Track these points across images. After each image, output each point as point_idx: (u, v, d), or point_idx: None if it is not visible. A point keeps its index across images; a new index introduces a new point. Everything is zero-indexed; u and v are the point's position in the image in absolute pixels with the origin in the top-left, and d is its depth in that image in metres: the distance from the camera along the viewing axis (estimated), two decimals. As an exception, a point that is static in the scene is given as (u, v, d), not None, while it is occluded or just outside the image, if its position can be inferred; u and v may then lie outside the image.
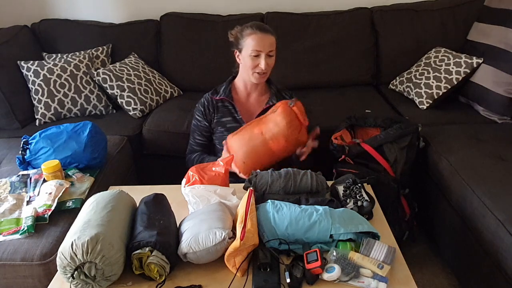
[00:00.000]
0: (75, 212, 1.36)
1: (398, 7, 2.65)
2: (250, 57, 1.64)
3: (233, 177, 1.79)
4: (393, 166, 1.71)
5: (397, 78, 2.55)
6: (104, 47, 2.60)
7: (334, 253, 1.09)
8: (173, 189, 1.42)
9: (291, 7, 2.71)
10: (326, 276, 1.04)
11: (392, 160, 1.70)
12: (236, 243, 1.03)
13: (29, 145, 1.73)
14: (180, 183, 1.40)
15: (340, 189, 1.37)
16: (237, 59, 1.73)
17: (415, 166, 1.86)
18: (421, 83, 2.33)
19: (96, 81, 2.41)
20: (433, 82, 2.28)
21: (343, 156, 1.76)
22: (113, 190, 1.25)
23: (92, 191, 1.61)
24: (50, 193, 1.49)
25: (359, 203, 1.28)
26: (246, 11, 2.73)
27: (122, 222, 1.13)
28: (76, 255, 0.98)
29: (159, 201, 1.23)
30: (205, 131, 1.83)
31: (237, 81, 1.81)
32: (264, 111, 1.73)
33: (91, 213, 1.11)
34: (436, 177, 1.83)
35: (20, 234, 1.38)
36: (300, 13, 2.67)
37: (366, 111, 1.92)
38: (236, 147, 1.57)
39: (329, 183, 1.40)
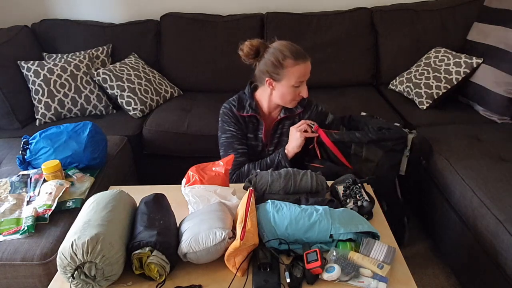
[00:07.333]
0: (75, 212, 1.36)
1: (398, 7, 2.65)
2: (292, 88, 1.57)
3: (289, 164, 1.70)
4: (358, 163, 1.67)
5: (397, 78, 2.55)
6: (104, 47, 2.61)
7: (334, 253, 1.09)
8: (173, 189, 1.42)
9: (291, 7, 2.71)
10: (326, 276, 1.04)
11: (365, 159, 1.65)
12: (236, 243, 1.03)
13: (29, 145, 1.73)
14: (180, 183, 1.40)
15: (340, 189, 1.37)
16: (268, 85, 1.61)
17: (410, 176, 1.82)
18: (421, 83, 2.33)
19: (96, 81, 2.41)
20: (433, 82, 2.28)
21: (312, 145, 1.72)
22: (113, 190, 1.25)
23: (92, 191, 1.61)
24: (50, 193, 1.49)
25: (359, 203, 1.28)
26: (246, 11, 2.73)
27: (122, 222, 1.13)
28: (76, 255, 0.98)
29: (159, 201, 1.23)
30: (244, 139, 1.71)
31: (260, 98, 1.70)
32: (275, 126, 1.71)
33: (91, 213, 1.11)
34: (436, 177, 1.83)
35: (20, 234, 1.38)
36: (300, 13, 2.68)
37: (362, 113, 1.91)
38: None
39: (329, 183, 1.40)
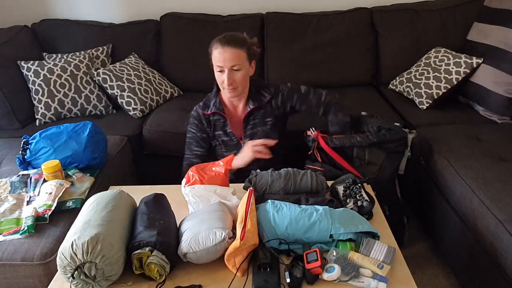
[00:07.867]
0: (75, 212, 1.36)
1: (398, 7, 2.65)
2: (216, 73, 1.59)
3: (233, 175, 1.78)
4: (361, 167, 1.67)
5: (397, 78, 2.55)
6: (104, 47, 2.61)
7: (334, 253, 1.09)
8: (173, 189, 1.42)
9: (291, 7, 2.71)
10: (326, 276, 1.04)
11: (368, 162, 1.65)
12: (236, 243, 1.04)
13: (29, 145, 1.73)
14: (180, 183, 1.40)
15: (340, 189, 1.37)
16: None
17: (408, 176, 1.83)
18: (421, 83, 2.33)
19: (96, 81, 2.41)
20: (433, 82, 2.28)
21: (312, 151, 1.72)
22: (113, 190, 1.25)
23: (92, 191, 1.61)
24: (50, 193, 1.49)
25: (359, 203, 1.28)
26: (246, 11, 2.73)
27: (122, 222, 1.13)
28: (76, 255, 0.98)
29: (159, 201, 1.23)
30: (203, 141, 1.75)
31: (221, 93, 1.73)
32: (246, 118, 1.70)
33: (91, 213, 1.11)
34: (436, 177, 1.83)
35: (20, 234, 1.38)
36: (300, 13, 2.67)
37: (362, 113, 1.91)
38: None
39: (329, 183, 1.40)
